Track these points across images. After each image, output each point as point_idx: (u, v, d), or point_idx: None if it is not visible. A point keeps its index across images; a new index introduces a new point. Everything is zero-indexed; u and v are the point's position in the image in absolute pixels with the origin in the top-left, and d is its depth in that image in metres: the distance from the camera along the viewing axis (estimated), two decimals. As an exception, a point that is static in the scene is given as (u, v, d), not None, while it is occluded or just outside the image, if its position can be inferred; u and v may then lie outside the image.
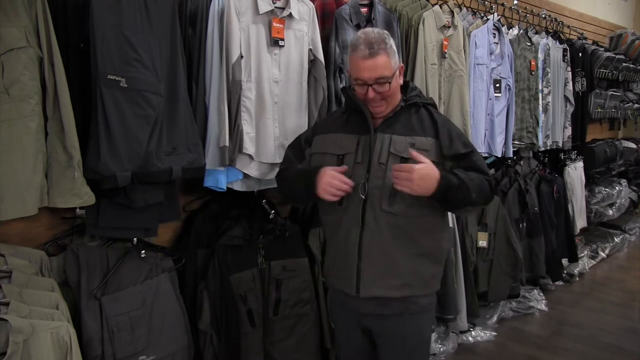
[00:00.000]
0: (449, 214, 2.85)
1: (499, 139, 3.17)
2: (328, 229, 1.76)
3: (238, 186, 2.06)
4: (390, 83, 1.58)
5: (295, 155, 1.78)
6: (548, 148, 3.81)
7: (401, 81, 1.67)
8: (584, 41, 4.47)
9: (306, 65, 2.16)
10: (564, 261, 4.05)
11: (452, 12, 2.84)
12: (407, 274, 1.60)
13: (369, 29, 1.65)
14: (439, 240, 1.67)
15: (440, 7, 2.80)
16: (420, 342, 1.74)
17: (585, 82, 4.24)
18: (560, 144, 3.95)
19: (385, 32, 1.64)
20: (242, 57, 1.95)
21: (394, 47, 1.62)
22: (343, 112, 1.77)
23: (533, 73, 3.52)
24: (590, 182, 4.60)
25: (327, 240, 1.81)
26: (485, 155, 3.18)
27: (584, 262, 4.37)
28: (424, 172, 1.48)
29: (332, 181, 1.55)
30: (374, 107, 1.62)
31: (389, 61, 1.58)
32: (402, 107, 1.65)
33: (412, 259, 1.60)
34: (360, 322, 1.72)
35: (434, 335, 2.84)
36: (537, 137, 3.57)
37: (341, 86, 2.24)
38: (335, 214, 1.65)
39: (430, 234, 1.64)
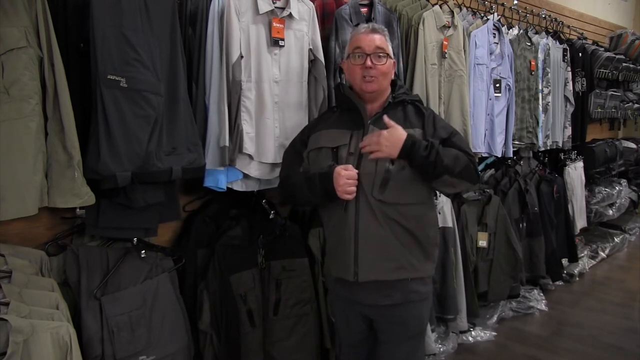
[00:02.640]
0: (446, 211, 2.88)
1: (499, 139, 3.17)
2: (328, 221, 1.81)
3: (238, 186, 2.06)
4: (387, 58, 1.72)
5: (293, 161, 1.83)
6: (548, 148, 3.81)
7: (393, 75, 1.79)
8: (584, 41, 4.46)
9: (306, 65, 2.16)
10: (564, 261, 4.05)
11: (452, 12, 2.84)
12: (401, 258, 1.68)
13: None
14: (427, 227, 1.74)
15: (440, 7, 2.80)
16: (420, 328, 1.81)
17: (585, 82, 4.23)
18: (560, 144, 3.94)
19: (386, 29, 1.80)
20: (242, 57, 1.95)
21: (391, 44, 1.79)
22: (333, 111, 1.86)
23: (533, 73, 3.52)
24: (590, 182, 4.60)
25: (327, 233, 1.85)
26: (485, 155, 3.18)
27: (584, 262, 4.37)
28: (391, 133, 1.59)
29: (348, 181, 1.62)
30: (366, 83, 1.71)
31: (387, 43, 1.75)
32: (390, 103, 1.75)
33: (404, 244, 1.68)
34: (361, 311, 1.78)
35: (434, 335, 2.84)
36: (537, 137, 3.57)
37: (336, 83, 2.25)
38: (336, 206, 1.71)
39: (419, 222, 1.71)
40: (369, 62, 1.68)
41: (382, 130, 1.61)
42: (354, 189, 1.62)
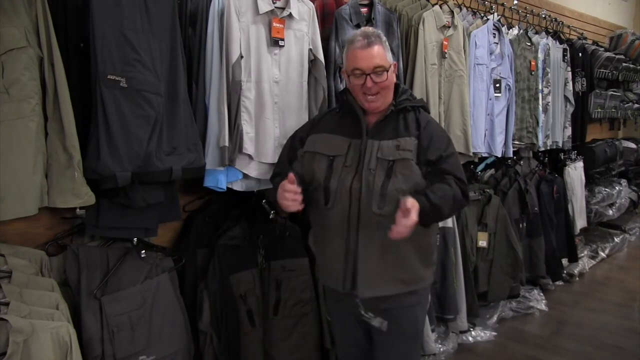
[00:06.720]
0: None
1: (499, 139, 3.17)
2: (316, 228, 1.80)
3: (238, 186, 2.06)
4: (387, 72, 1.65)
5: (287, 157, 1.82)
6: (548, 148, 3.81)
7: (394, 79, 1.73)
8: (584, 41, 4.47)
9: (306, 65, 2.16)
10: (564, 261, 4.05)
11: (452, 12, 2.84)
12: (402, 272, 1.66)
13: (365, 28, 1.76)
14: (427, 238, 1.72)
15: (440, 7, 2.80)
16: (415, 330, 1.80)
17: (585, 82, 4.24)
18: (560, 144, 3.95)
19: (380, 31, 1.73)
20: (242, 57, 1.95)
21: (388, 44, 1.70)
22: (336, 112, 1.82)
23: (533, 73, 3.52)
24: (590, 182, 4.60)
25: (317, 240, 1.84)
26: (485, 155, 3.18)
27: (584, 262, 4.37)
28: (409, 221, 1.51)
29: (283, 194, 1.58)
30: (370, 102, 1.67)
31: (385, 53, 1.66)
32: (392, 111, 1.70)
33: (405, 257, 1.66)
34: (355, 314, 1.77)
35: (434, 335, 2.84)
36: (537, 137, 3.57)
37: (341, 88, 2.23)
38: (322, 214, 1.69)
39: (419, 233, 1.66)
40: (369, 83, 1.63)
41: (403, 221, 1.48)
42: (290, 203, 1.57)
